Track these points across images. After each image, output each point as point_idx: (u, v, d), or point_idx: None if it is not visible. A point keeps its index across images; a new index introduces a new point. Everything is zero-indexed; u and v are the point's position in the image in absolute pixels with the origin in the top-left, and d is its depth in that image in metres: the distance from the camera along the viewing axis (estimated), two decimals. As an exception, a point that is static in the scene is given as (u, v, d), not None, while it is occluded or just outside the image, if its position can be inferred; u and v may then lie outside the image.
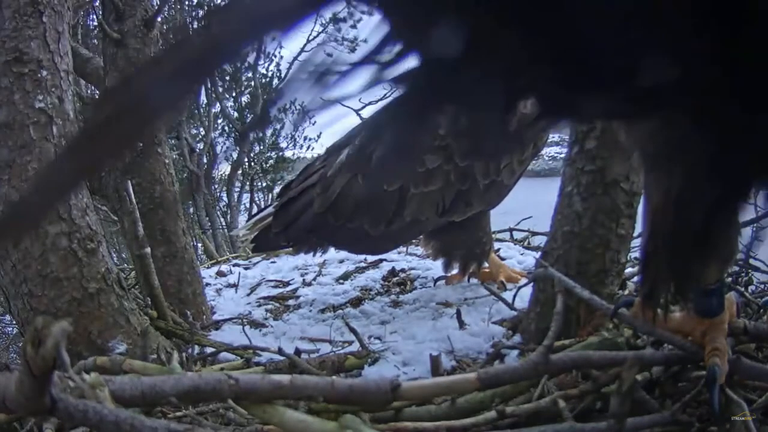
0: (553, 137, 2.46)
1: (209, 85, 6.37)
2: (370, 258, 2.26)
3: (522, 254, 2.16)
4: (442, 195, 1.66)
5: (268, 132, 7.32)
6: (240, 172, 7.13)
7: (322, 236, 1.81)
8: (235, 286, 2.20)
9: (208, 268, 2.56)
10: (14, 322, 1.77)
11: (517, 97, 0.38)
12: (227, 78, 6.84)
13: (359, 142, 1.67)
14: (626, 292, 1.32)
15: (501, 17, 0.33)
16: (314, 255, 1.99)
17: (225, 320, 1.81)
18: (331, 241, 1.86)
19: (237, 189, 7.13)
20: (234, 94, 6.97)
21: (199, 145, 6.09)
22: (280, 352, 1.25)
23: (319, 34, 6.52)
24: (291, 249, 1.97)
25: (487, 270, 1.85)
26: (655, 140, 0.49)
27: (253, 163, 7.39)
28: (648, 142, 0.53)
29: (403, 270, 2.13)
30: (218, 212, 6.75)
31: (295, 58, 6.78)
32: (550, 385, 0.95)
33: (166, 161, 1.86)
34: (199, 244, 4.40)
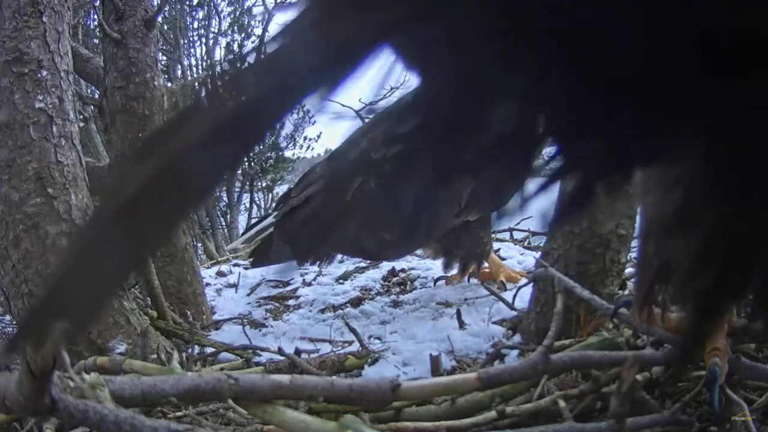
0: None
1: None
2: (370, 258, 2.25)
3: (522, 254, 2.16)
4: (458, 194, 1.63)
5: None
6: (240, 172, 7.13)
7: (333, 245, 1.73)
8: (235, 286, 2.20)
9: (208, 268, 2.56)
10: (14, 322, 1.77)
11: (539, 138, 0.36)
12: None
13: (367, 146, 1.63)
14: (626, 292, 1.32)
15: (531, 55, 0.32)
16: (320, 266, 1.92)
17: (225, 320, 1.81)
18: (342, 249, 1.78)
19: (237, 189, 7.13)
20: (234, 94, 6.98)
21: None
22: (280, 352, 1.25)
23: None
24: (294, 261, 1.88)
25: (487, 270, 1.84)
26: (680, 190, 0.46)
27: (253, 163, 7.39)
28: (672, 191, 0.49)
29: (403, 270, 2.13)
30: (218, 212, 6.75)
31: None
32: (550, 385, 0.95)
33: (166, 161, 1.86)
34: (199, 244, 4.40)
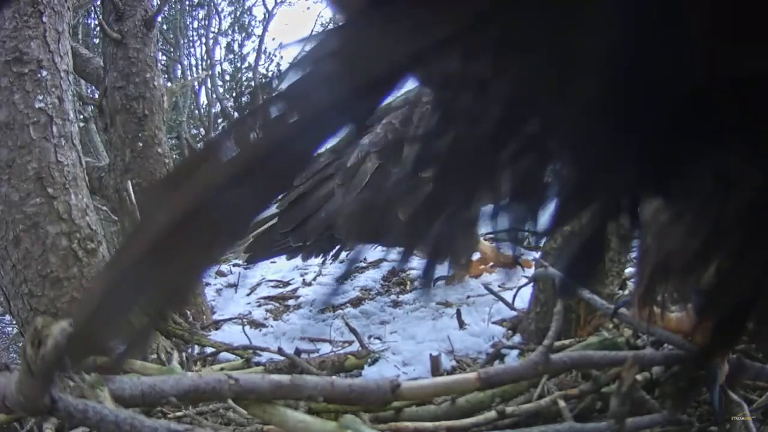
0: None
1: (210, 86, 6.36)
2: (370, 258, 2.25)
3: (522, 254, 2.16)
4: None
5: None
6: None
7: (348, 233, 1.62)
8: (235, 286, 2.20)
9: (208, 268, 2.55)
10: (14, 322, 1.77)
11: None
12: (227, 78, 6.84)
13: (382, 130, 1.59)
14: (626, 292, 1.32)
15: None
16: (325, 259, 1.83)
17: (225, 320, 1.80)
18: (358, 238, 1.72)
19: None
20: (234, 94, 6.99)
21: (199, 145, 6.10)
22: (280, 352, 1.25)
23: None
24: (296, 254, 1.76)
25: (481, 259, 1.83)
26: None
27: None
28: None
29: (403, 270, 2.13)
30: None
31: (296, 58, 6.81)
32: (550, 385, 0.95)
33: (166, 161, 1.86)
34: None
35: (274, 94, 0.30)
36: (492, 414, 0.87)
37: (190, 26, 6.85)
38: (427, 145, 0.35)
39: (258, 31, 6.94)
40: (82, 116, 3.47)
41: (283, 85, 0.29)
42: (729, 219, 0.37)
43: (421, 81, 0.34)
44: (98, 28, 2.58)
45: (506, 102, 0.32)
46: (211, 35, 6.76)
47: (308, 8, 8.70)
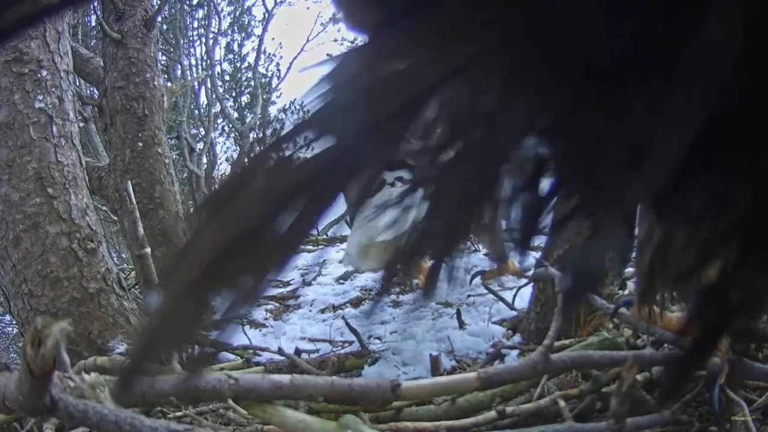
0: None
1: (210, 86, 6.36)
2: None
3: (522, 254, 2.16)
4: None
5: (268, 132, 7.32)
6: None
7: None
8: (235, 286, 2.20)
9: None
10: (14, 322, 1.77)
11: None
12: (227, 78, 6.84)
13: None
14: (626, 292, 1.32)
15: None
16: None
17: (225, 320, 1.80)
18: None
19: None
20: (234, 94, 6.99)
21: (199, 145, 6.10)
22: (280, 352, 1.25)
23: (319, 33, 6.54)
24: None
25: None
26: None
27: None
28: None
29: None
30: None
31: (295, 58, 6.81)
32: (550, 385, 0.95)
33: (166, 161, 1.86)
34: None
35: (302, 123, 0.29)
36: (492, 414, 0.87)
37: (190, 26, 6.85)
38: (431, 160, 0.35)
39: (258, 31, 6.95)
40: (82, 116, 3.47)
41: (310, 108, 0.29)
42: (722, 234, 0.37)
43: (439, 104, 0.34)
44: (98, 28, 2.58)
45: (515, 128, 0.32)
46: (211, 35, 6.76)
47: (308, 8, 8.72)
